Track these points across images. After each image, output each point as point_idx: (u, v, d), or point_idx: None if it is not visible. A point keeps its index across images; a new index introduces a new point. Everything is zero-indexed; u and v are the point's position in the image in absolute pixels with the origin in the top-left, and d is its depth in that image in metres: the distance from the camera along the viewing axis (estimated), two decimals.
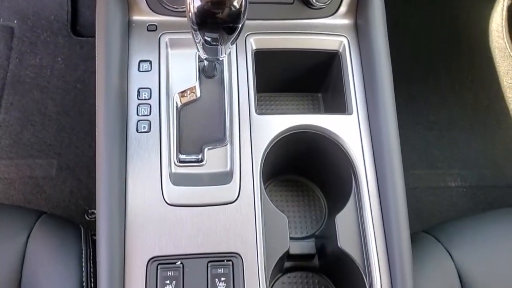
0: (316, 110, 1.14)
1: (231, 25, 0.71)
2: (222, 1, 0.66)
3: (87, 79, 1.79)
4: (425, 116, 1.81)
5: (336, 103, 1.02)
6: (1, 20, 1.87)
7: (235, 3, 0.66)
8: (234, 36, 0.74)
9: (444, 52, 1.93)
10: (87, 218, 1.56)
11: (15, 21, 1.88)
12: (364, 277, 0.84)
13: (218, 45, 0.77)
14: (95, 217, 1.62)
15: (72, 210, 1.57)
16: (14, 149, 1.66)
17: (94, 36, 1.96)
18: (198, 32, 0.72)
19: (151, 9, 0.95)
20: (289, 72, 1.07)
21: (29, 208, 1.05)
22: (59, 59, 1.83)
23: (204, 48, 0.78)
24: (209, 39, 0.74)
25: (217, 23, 0.70)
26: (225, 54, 0.82)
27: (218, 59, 0.86)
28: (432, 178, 1.72)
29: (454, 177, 1.73)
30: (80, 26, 1.92)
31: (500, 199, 1.69)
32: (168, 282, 0.78)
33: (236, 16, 0.69)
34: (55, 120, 1.71)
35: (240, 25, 0.71)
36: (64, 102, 1.74)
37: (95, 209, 1.59)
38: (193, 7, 0.66)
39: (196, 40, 0.76)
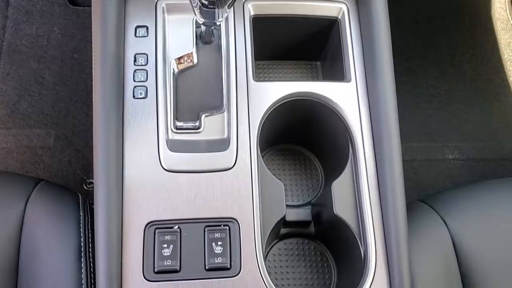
0: (314, 78, 1.13)
1: None
2: None
3: (84, 49, 1.77)
4: (424, 88, 1.80)
5: (335, 71, 1.01)
6: None
7: None
8: None
9: (444, 24, 1.91)
10: (85, 187, 1.57)
11: None
12: (359, 243, 0.84)
13: (215, 9, 0.76)
14: (93, 187, 1.63)
15: (70, 180, 1.58)
16: (12, 119, 1.66)
17: (90, 5, 1.92)
18: None
19: None
20: (287, 39, 1.06)
21: (27, 176, 1.06)
22: (55, 28, 1.81)
23: (201, 12, 0.77)
24: (206, 2, 0.73)
25: None
26: (222, 18, 0.81)
27: (215, 23, 0.85)
28: (430, 151, 1.72)
29: (451, 149, 1.73)
30: None
31: (497, 172, 1.70)
32: (165, 246, 0.79)
33: None
34: (52, 90, 1.70)
35: None
36: (61, 72, 1.73)
37: (93, 179, 1.60)
38: None
39: (193, 3, 0.75)
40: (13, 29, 1.80)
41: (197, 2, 0.73)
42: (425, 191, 1.62)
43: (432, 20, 1.91)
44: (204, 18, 0.80)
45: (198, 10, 0.77)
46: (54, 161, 1.60)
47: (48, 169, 1.59)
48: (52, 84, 1.71)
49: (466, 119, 1.78)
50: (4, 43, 1.77)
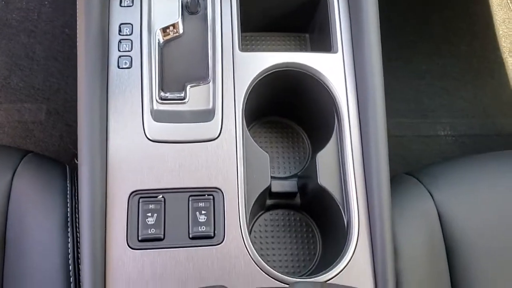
0: (303, 50, 1.12)
1: None
2: None
3: (75, 24, 1.75)
4: (417, 64, 1.79)
5: (323, 43, 1.00)
6: None
7: None
8: None
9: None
10: (76, 162, 1.57)
11: None
12: (343, 213, 0.85)
13: None
14: None
15: (61, 154, 1.58)
16: (3, 94, 1.65)
17: None
18: None
19: None
20: (275, 10, 1.05)
21: (15, 147, 1.06)
22: (46, 2, 1.79)
23: None
24: None
25: None
26: None
27: None
28: (421, 127, 1.72)
29: (443, 125, 1.73)
30: None
31: (489, 148, 1.70)
32: (149, 214, 0.80)
33: None
34: (43, 65, 1.69)
35: None
36: (52, 46, 1.72)
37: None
38: None
39: None
40: (3, 2, 1.78)
41: None
42: (416, 167, 1.63)
43: None
44: None
45: None
46: (45, 136, 1.60)
47: (39, 143, 1.59)
48: (43, 59, 1.70)
49: (459, 95, 1.77)
50: None
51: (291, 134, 1.08)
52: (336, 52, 0.93)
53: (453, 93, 1.77)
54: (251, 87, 0.88)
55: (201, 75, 0.90)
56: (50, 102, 1.64)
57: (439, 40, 1.83)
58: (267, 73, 0.90)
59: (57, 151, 1.58)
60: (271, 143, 1.07)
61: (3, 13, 1.76)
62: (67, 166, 1.00)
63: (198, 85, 0.89)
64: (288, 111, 1.07)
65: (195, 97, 0.88)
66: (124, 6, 0.90)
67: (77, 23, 0.87)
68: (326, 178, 0.87)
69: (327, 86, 0.90)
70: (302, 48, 1.12)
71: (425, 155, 1.68)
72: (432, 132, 1.71)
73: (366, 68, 0.88)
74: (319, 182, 0.86)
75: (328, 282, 0.80)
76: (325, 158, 0.88)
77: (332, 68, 0.91)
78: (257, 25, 1.08)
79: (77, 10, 0.87)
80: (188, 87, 0.88)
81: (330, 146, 0.89)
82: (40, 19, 1.76)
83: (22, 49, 1.71)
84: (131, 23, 0.89)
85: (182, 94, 0.88)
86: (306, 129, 1.08)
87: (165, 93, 0.88)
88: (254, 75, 0.89)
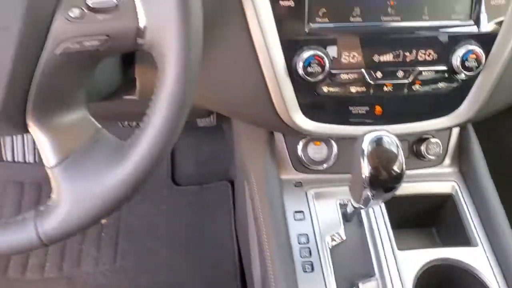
0: (433, 243, 1.30)
1: (392, 185, 0.91)
2: (390, 168, 0.86)
3: (192, 227, 1.99)
4: None
5: (453, 236, 1.19)
6: None
7: (396, 169, 0.86)
8: (392, 193, 0.94)
9: None
10: None
11: None
12: None
13: (373, 199, 0.97)
14: None
15: None
16: None
17: (192, 185, 2.18)
18: (366, 189, 0.93)
19: (295, 169, 1.19)
20: (408, 211, 1.26)
21: None
22: (164, 207, 2.06)
23: (364, 200, 0.98)
24: (371, 194, 0.95)
25: (383, 184, 0.90)
26: (376, 205, 1.03)
27: (368, 208, 1.07)
28: None
29: None
30: (179, 177, 2.18)
31: None
32: None
33: (399, 179, 0.89)
34: (166, 264, 1.89)
35: (399, 185, 0.91)
36: (174, 247, 1.93)
37: None
38: (366, 172, 0.87)
39: (362, 195, 0.96)
40: (127, 210, 2.06)
41: (367, 195, 0.94)
42: None
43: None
44: (362, 205, 1.01)
45: (363, 199, 0.98)
46: None
47: None
48: (165, 259, 1.90)
49: None
50: (120, 224, 2.02)
51: None
52: (476, 245, 1.11)
53: None
54: (415, 281, 1.05)
55: (368, 273, 1.07)
56: None
57: None
58: (426, 267, 1.07)
59: None
60: None
61: (128, 219, 2.01)
62: None
63: (368, 282, 1.05)
64: None
65: None
66: (298, 220, 1.13)
67: (265, 238, 1.08)
68: None
69: (480, 278, 1.06)
70: (432, 241, 1.31)
71: None
72: None
73: (508, 258, 1.05)
74: None
75: None
76: None
77: (478, 260, 1.08)
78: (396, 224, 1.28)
79: (265, 224, 1.09)
80: (359, 284, 1.05)
81: None
82: (161, 222, 2.01)
83: (146, 251, 1.92)
84: (306, 233, 1.10)
85: None
86: None
87: None
88: (416, 270, 1.05)
